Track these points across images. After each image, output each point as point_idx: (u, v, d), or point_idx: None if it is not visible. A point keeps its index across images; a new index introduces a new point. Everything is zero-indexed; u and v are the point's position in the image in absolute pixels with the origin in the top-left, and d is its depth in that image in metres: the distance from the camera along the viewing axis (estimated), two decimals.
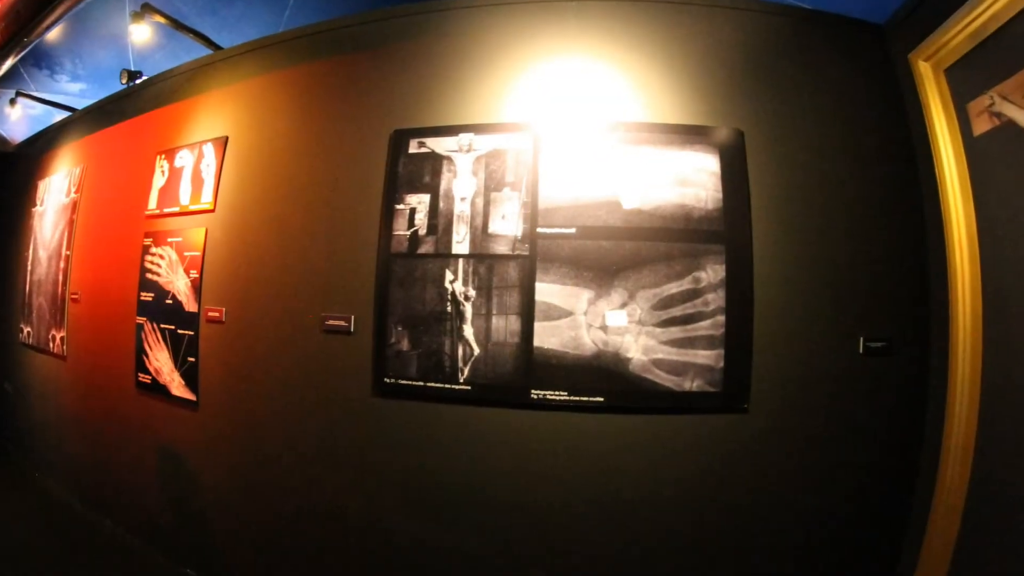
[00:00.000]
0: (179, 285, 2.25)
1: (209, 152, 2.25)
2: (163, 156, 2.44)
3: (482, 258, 1.71)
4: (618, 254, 1.65)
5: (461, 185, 1.76)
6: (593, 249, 1.66)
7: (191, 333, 2.18)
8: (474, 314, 1.70)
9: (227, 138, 2.21)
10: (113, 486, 2.54)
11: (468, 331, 1.70)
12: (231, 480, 2.07)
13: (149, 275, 2.38)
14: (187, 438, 2.20)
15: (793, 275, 1.64)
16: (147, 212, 2.45)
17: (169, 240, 2.31)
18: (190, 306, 2.19)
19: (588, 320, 1.64)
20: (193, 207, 2.26)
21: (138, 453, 2.39)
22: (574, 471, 1.64)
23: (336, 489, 1.84)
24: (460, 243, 1.73)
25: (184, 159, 2.34)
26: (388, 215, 1.80)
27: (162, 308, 2.30)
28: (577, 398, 1.63)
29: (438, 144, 1.80)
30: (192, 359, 2.17)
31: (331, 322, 1.85)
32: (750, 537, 1.61)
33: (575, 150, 1.71)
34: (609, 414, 1.63)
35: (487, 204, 1.73)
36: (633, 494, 1.62)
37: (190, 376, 2.17)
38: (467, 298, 1.71)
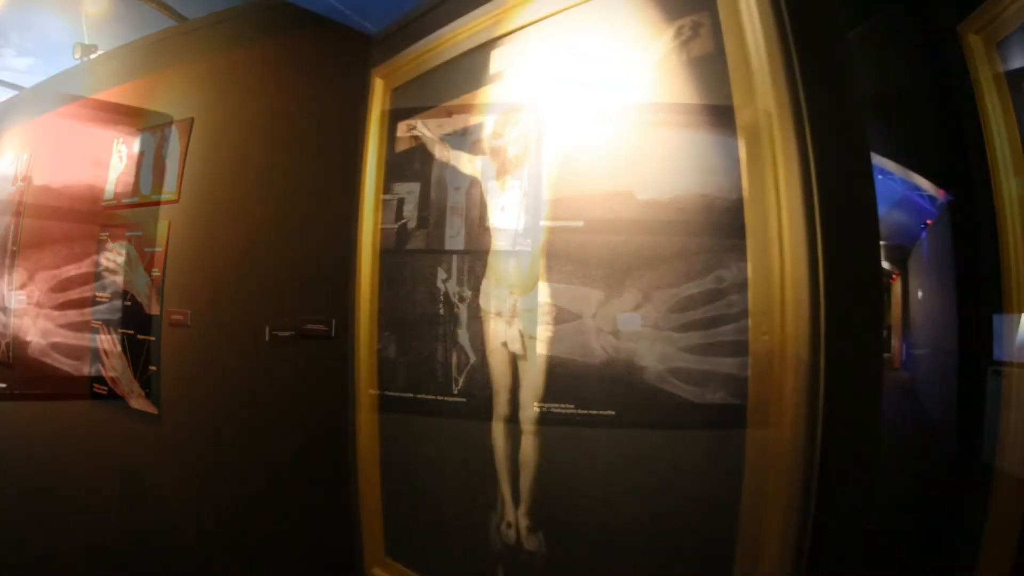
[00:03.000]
0: (139, 285, 2.22)
1: (172, 136, 2.23)
2: (121, 140, 2.41)
3: (479, 255, 1.69)
4: (631, 250, 1.62)
5: (455, 173, 1.74)
6: (603, 244, 1.63)
7: (152, 338, 2.15)
8: (470, 317, 1.67)
9: (192, 120, 2.19)
10: (65, 510, 2.50)
11: (463, 336, 1.68)
12: (198, 501, 2.05)
13: (105, 273, 2.35)
14: (148, 454, 2.18)
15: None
16: (103, 203, 2.42)
17: (128, 235, 2.29)
18: (151, 308, 2.17)
19: (597, 324, 1.61)
20: (155, 197, 2.24)
21: (93, 472, 2.36)
22: (583, 491, 1.61)
23: (316, 509, 1.83)
24: (454, 237, 1.71)
25: (145, 143, 2.32)
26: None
27: (120, 310, 2.27)
28: (585, 411, 1.60)
29: (430, 127, 1.78)
30: (153, 367, 2.15)
31: (309, 326, 1.84)
32: None
33: (583, 134, 1.69)
34: (621, 429, 1.61)
35: (484, 194, 1.71)
36: (648, 515, 1.59)
37: (151, 386, 2.15)
38: (462, 299, 1.69)
